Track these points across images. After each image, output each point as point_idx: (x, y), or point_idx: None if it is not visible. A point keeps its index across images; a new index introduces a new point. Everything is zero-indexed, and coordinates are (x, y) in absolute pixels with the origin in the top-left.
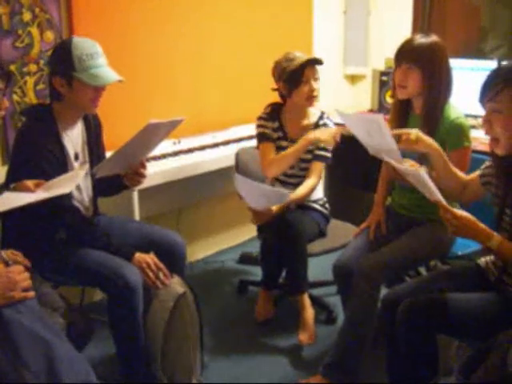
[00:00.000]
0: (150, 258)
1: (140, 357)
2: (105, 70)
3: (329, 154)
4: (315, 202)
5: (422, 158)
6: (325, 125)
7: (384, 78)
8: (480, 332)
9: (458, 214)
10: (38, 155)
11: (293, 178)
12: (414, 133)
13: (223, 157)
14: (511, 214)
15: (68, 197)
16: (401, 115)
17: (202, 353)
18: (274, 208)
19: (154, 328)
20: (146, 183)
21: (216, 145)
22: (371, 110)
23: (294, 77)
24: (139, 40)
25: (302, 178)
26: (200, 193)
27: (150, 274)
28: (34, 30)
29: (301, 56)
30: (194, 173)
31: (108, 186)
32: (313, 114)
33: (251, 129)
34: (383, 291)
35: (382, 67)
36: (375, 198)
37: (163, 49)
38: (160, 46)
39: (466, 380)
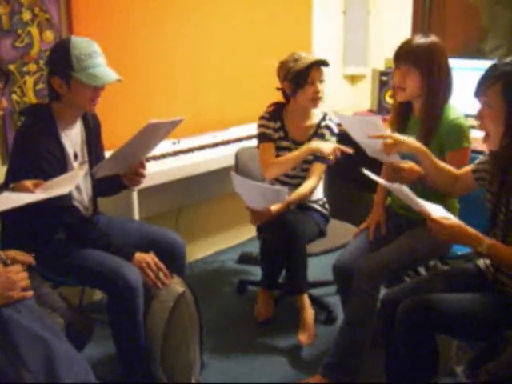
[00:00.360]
0: (150, 258)
1: (140, 357)
2: (104, 69)
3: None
4: (315, 202)
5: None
6: (327, 127)
7: (384, 78)
8: (479, 332)
9: (446, 224)
10: (37, 155)
11: (293, 179)
12: (389, 136)
13: (223, 157)
14: (505, 211)
15: (68, 197)
16: (401, 117)
17: (201, 353)
18: (273, 208)
19: (154, 328)
20: (146, 183)
21: (215, 145)
22: (371, 110)
23: (300, 77)
24: (139, 40)
25: (302, 179)
26: (199, 193)
27: (150, 274)
28: (34, 30)
29: (307, 57)
30: (193, 173)
31: (107, 185)
32: (315, 115)
33: (251, 129)
34: (383, 291)
35: (381, 67)
36: (375, 198)
37: (163, 49)
38: (160, 45)
39: (474, 376)
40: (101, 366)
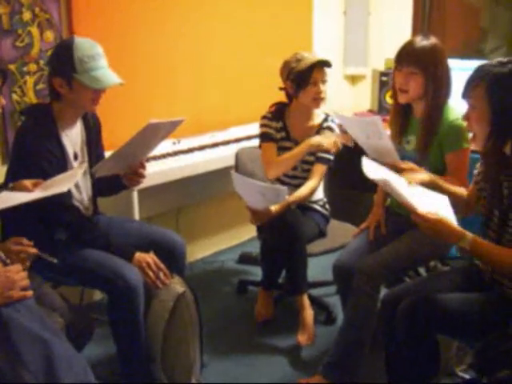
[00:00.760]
0: (150, 258)
1: (140, 356)
2: (105, 72)
3: (331, 157)
4: (315, 202)
5: (421, 161)
6: (329, 128)
7: (384, 79)
8: (478, 332)
9: (428, 217)
10: (37, 155)
11: (294, 180)
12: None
13: (223, 157)
14: (499, 215)
15: (68, 196)
16: (401, 119)
17: (201, 352)
18: (273, 208)
19: (154, 328)
20: (146, 183)
21: (216, 145)
22: (371, 111)
23: (302, 77)
24: (139, 40)
25: (303, 180)
26: (199, 193)
27: (151, 274)
28: (34, 30)
29: (309, 57)
30: (193, 173)
31: (107, 185)
32: (317, 115)
33: (251, 129)
34: (383, 291)
35: (381, 67)
36: (375, 198)
37: (163, 49)
38: (160, 45)
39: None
40: (101, 365)
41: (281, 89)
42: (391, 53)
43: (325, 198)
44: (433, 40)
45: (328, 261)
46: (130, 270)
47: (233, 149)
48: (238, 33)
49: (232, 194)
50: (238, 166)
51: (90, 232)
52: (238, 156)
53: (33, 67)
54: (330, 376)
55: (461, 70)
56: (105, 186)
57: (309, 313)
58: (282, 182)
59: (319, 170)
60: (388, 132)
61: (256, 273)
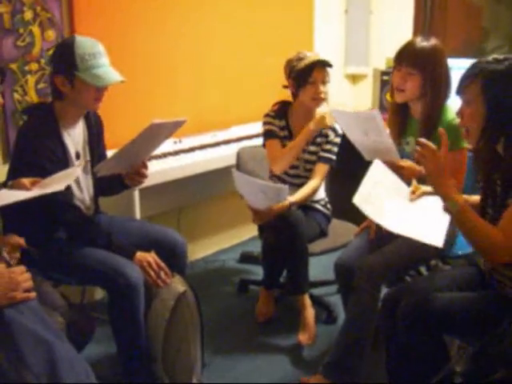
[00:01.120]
0: (151, 257)
1: (141, 356)
2: (107, 70)
3: (333, 157)
4: (317, 202)
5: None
6: (331, 127)
7: (385, 78)
8: (479, 331)
9: (438, 154)
10: (39, 154)
11: (296, 179)
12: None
13: (224, 156)
14: (492, 213)
15: (69, 195)
16: (400, 120)
17: (202, 352)
18: (275, 208)
19: (155, 327)
20: (147, 182)
21: (217, 144)
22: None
23: (302, 76)
24: (140, 39)
25: (305, 179)
26: (201, 192)
27: (152, 273)
28: (36, 29)
29: (311, 56)
30: (194, 172)
31: (108, 185)
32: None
33: (252, 128)
34: (384, 291)
35: (382, 67)
36: None
37: (164, 48)
38: (161, 45)
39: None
40: (101, 365)
41: (284, 87)
42: (392, 52)
43: (326, 198)
44: (433, 41)
45: (329, 260)
46: (131, 268)
47: (234, 148)
48: (239, 32)
49: (233, 193)
50: (240, 165)
51: (92, 231)
52: (239, 155)
53: (34, 66)
54: (331, 376)
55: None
56: (106, 185)
57: (310, 312)
58: (284, 181)
59: (321, 169)
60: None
61: (257, 272)
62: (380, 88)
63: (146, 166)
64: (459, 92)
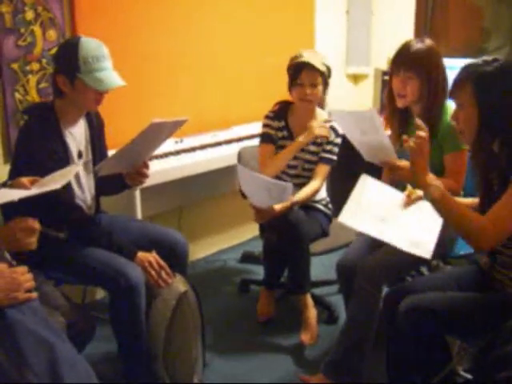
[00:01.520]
0: (153, 257)
1: (142, 355)
2: (109, 73)
3: (334, 157)
4: (318, 201)
5: None
6: (332, 127)
7: (386, 78)
8: (480, 331)
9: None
10: (40, 154)
11: (296, 179)
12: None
13: (225, 156)
14: (489, 202)
15: (71, 195)
16: (400, 123)
17: (203, 351)
18: (277, 207)
19: (156, 327)
20: (148, 182)
21: (218, 144)
22: None
23: (292, 77)
24: (141, 39)
25: (305, 179)
26: (202, 192)
27: (153, 273)
28: (37, 29)
29: (304, 57)
30: (195, 172)
31: (109, 185)
32: (320, 114)
33: (253, 128)
34: (385, 291)
35: (384, 67)
36: None
37: (165, 48)
38: (162, 44)
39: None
40: (102, 364)
41: None
42: (394, 52)
43: (327, 198)
44: (427, 42)
45: (330, 260)
46: (132, 268)
47: (235, 148)
48: (240, 32)
49: (234, 192)
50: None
51: (93, 231)
52: (240, 155)
53: (35, 66)
54: (332, 375)
55: None
56: (107, 185)
57: (312, 312)
58: (284, 181)
59: (322, 170)
60: (388, 132)
61: (258, 272)
62: (381, 88)
63: (147, 166)
64: (452, 96)
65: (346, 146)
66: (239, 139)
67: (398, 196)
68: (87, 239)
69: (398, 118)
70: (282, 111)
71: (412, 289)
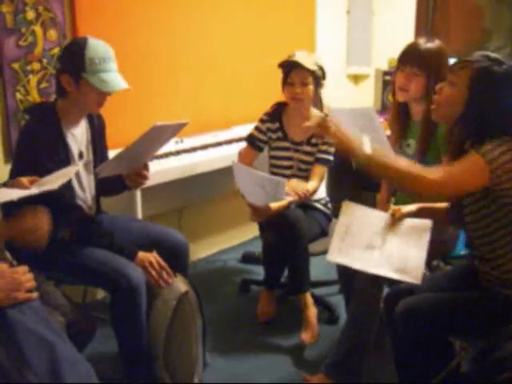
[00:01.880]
0: (153, 257)
1: (142, 356)
2: (114, 75)
3: (331, 157)
4: (317, 201)
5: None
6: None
7: (387, 78)
8: (480, 331)
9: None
10: (41, 154)
11: (293, 179)
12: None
13: (225, 156)
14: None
15: (71, 195)
16: (401, 121)
17: (204, 352)
18: (273, 206)
19: (157, 327)
20: (149, 182)
21: (218, 144)
22: None
23: (283, 76)
24: (142, 39)
25: (301, 179)
26: (202, 192)
27: (153, 273)
28: (38, 29)
29: (295, 56)
30: (196, 172)
31: (109, 186)
32: (315, 115)
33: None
34: (386, 291)
35: (385, 67)
36: (378, 197)
37: (166, 48)
38: (163, 45)
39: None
40: (103, 364)
41: None
42: (394, 52)
43: (327, 197)
44: (437, 42)
45: None
46: (132, 269)
47: (235, 148)
48: (241, 32)
49: (235, 193)
50: (239, 160)
51: (93, 231)
52: (240, 155)
53: (36, 66)
54: (333, 375)
55: None
56: (107, 186)
57: (312, 311)
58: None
59: (319, 171)
60: (388, 132)
61: (259, 272)
62: (382, 88)
63: (147, 168)
64: (450, 71)
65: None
66: (240, 139)
67: (383, 217)
68: (88, 239)
69: (400, 121)
70: (276, 112)
71: (411, 289)
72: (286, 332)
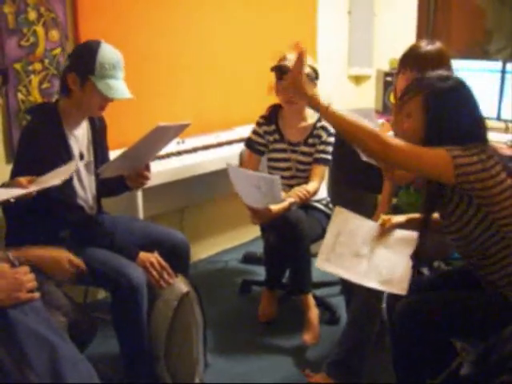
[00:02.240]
0: (154, 258)
1: (143, 356)
2: (120, 83)
3: (329, 157)
4: (318, 201)
5: None
6: (323, 127)
7: (388, 79)
8: (478, 332)
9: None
10: (42, 154)
11: (292, 180)
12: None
13: (227, 157)
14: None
15: (72, 195)
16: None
17: (205, 352)
18: (273, 208)
19: (158, 327)
20: (150, 182)
21: (220, 144)
22: (376, 111)
23: (277, 79)
24: (143, 40)
25: (300, 179)
26: (204, 192)
27: (154, 274)
28: (39, 29)
29: (287, 59)
30: (197, 172)
31: (110, 186)
32: (311, 116)
33: None
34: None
35: (386, 68)
36: (379, 198)
37: (167, 48)
38: (164, 45)
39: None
40: (104, 365)
41: None
42: (396, 53)
43: (328, 198)
44: (438, 45)
45: None
46: (133, 269)
47: (237, 148)
48: (242, 33)
49: (236, 193)
50: (242, 165)
51: (95, 231)
52: (242, 156)
53: (38, 66)
54: (334, 375)
55: (466, 71)
56: (108, 186)
57: (314, 312)
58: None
59: (319, 171)
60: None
61: (260, 273)
62: (383, 89)
63: (148, 168)
64: (400, 104)
65: (348, 146)
66: (241, 140)
67: (372, 226)
68: (89, 239)
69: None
70: (272, 115)
71: (411, 289)
72: (287, 332)
